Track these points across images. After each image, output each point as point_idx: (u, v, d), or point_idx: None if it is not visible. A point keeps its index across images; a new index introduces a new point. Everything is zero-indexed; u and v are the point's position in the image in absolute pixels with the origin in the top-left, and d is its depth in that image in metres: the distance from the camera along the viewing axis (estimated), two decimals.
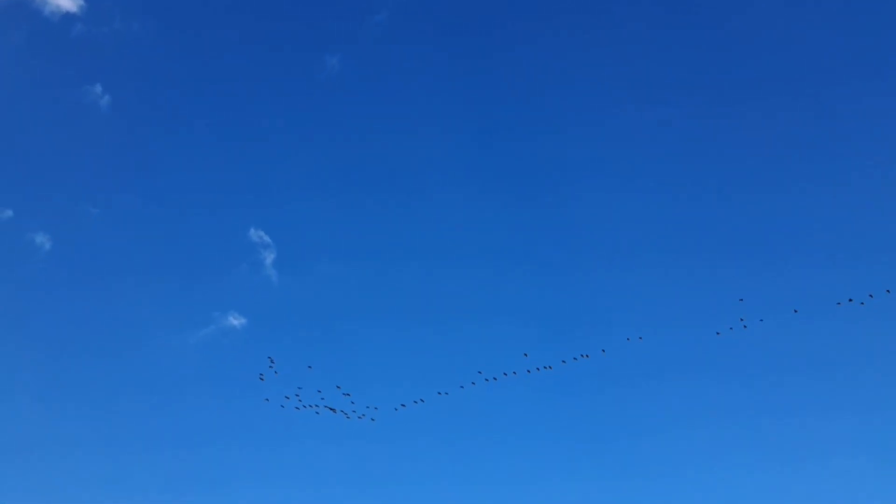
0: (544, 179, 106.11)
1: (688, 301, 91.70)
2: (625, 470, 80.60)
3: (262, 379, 69.41)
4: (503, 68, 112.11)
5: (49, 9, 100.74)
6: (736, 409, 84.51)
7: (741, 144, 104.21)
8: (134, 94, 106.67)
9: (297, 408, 68.59)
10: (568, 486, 79.77)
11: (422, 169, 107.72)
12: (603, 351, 70.36)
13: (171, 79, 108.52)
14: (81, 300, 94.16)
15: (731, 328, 68.28)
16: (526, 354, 69.40)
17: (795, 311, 71.36)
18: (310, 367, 70.59)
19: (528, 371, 69.11)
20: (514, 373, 69.07)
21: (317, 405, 68.50)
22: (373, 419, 69.49)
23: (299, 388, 68.51)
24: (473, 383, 69.53)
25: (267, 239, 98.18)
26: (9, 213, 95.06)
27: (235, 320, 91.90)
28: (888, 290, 67.44)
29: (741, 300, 70.49)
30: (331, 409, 68.42)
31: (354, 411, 68.97)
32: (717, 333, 69.55)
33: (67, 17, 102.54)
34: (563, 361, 69.02)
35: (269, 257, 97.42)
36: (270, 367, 69.50)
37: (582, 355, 68.71)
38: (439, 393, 70.74)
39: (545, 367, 69.29)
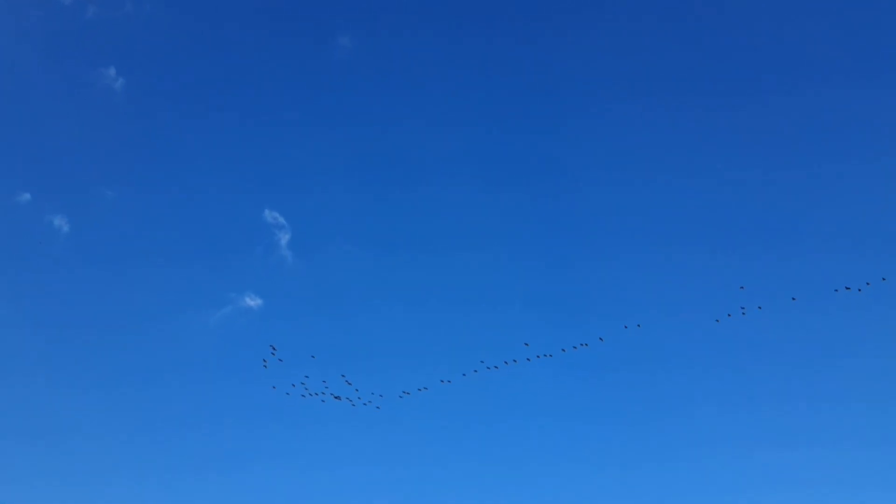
0: (548, 170, 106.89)
1: (686, 290, 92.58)
2: (624, 456, 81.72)
3: (265, 366, 70.27)
4: (515, 47, 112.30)
5: None
6: (734, 396, 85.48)
7: (740, 135, 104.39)
8: (147, 77, 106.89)
9: (302, 395, 69.91)
10: (568, 472, 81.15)
11: (432, 151, 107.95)
12: (601, 339, 71.62)
13: (183, 61, 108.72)
14: (100, 282, 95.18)
15: (729, 315, 69.55)
16: (527, 344, 70.45)
17: (794, 299, 72.26)
18: (313, 356, 72.24)
19: (529, 359, 70.29)
20: (515, 361, 70.39)
21: (322, 392, 69.63)
22: (378, 407, 70.72)
23: (306, 376, 69.83)
24: (476, 371, 70.81)
25: (281, 220, 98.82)
26: (26, 196, 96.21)
27: (252, 301, 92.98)
28: (884, 279, 68.70)
29: (742, 288, 71.80)
30: (336, 397, 69.67)
31: (360, 398, 70.17)
32: (717, 321, 70.70)
33: (81, 1, 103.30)
34: (563, 350, 70.50)
35: (284, 238, 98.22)
36: (273, 354, 70.32)
37: (581, 344, 70.08)
38: (442, 381, 71.91)
39: (546, 356, 70.50)
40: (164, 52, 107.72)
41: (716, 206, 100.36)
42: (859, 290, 68.21)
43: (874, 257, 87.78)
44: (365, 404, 70.24)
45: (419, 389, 71.29)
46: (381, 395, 70.49)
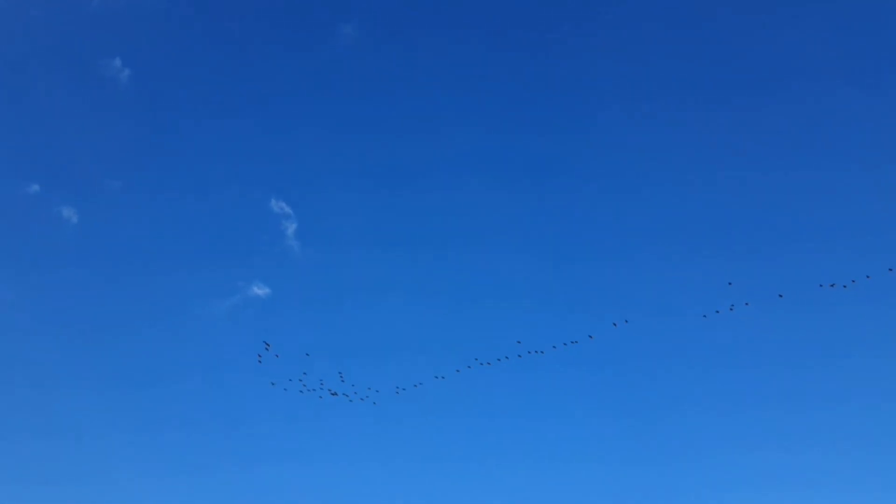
0: (539, 170, 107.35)
1: (675, 287, 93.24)
2: (614, 452, 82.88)
3: (259, 361, 70.99)
4: (520, 36, 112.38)
5: None
6: (722, 392, 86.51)
7: (729, 136, 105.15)
8: (153, 68, 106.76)
9: (300, 391, 70.81)
10: (560, 467, 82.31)
11: (434, 142, 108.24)
12: (591, 337, 72.81)
13: (189, 51, 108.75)
14: (108, 273, 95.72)
15: (717, 311, 70.84)
16: (519, 341, 71.71)
17: (780, 296, 73.60)
18: (307, 354, 72.58)
19: (520, 356, 71.50)
20: (507, 357, 71.78)
21: (318, 387, 70.37)
22: (374, 403, 71.80)
23: (304, 373, 70.75)
24: (469, 367, 72.04)
25: (288, 210, 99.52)
26: (35, 187, 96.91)
27: (260, 290, 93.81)
28: (869, 276, 70.20)
29: (730, 284, 73.37)
30: (333, 393, 70.63)
31: (356, 393, 71.22)
32: (704, 316, 71.99)
33: None
34: (554, 347, 71.65)
35: (291, 228, 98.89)
36: (267, 349, 70.56)
37: (572, 342, 71.48)
38: (436, 377, 72.75)
39: (537, 352, 71.65)
40: (170, 43, 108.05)
41: (705, 205, 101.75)
42: (844, 286, 69.64)
43: (860, 255, 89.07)
44: (361, 399, 71.42)
45: (414, 385, 72.43)
46: (377, 391, 71.69)
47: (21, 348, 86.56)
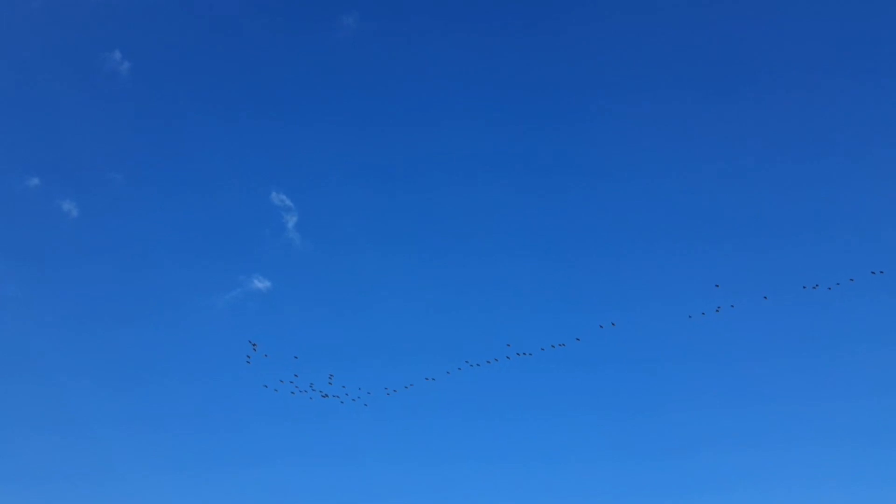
0: (532, 169, 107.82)
1: (662, 289, 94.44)
2: (602, 450, 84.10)
3: (248, 362, 71.52)
4: (518, 25, 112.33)
5: None
6: (708, 391, 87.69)
7: (720, 137, 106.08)
8: (153, 60, 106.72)
9: (292, 392, 71.39)
10: (547, 467, 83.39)
11: (434, 134, 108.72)
12: (577, 339, 73.92)
13: (188, 44, 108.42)
14: (109, 266, 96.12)
15: (703, 313, 71.85)
16: (509, 344, 72.76)
17: (766, 298, 75.00)
18: (296, 356, 72.74)
19: (509, 358, 72.60)
20: (497, 360, 72.78)
21: (309, 389, 71.03)
22: (366, 404, 72.76)
23: (296, 375, 71.30)
24: (460, 369, 73.19)
25: (288, 202, 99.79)
26: (35, 180, 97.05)
27: (260, 283, 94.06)
28: (852, 279, 71.56)
29: (717, 286, 74.38)
30: (324, 395, 71.39)
31: (347, 394, 72.06)
32: (689, 317, 73.03)
33: None
34: (542, 349, 72.82)
35: (291, 220, 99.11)
36: (254, 350, 70.89)
37: (559, 344, 72.54)
38: (427, 379, 73.81)
39: (526, 354, 72.71)
40: (170, 35, 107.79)
41: (691, 208, 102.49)
42: (829, 288, 71.08)
43: (844, 258, 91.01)
44: (353, 401, 72.20)
45: (405, 387, 73.48)
46: (368, 393, 72.55)
47: (21, 341, 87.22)
